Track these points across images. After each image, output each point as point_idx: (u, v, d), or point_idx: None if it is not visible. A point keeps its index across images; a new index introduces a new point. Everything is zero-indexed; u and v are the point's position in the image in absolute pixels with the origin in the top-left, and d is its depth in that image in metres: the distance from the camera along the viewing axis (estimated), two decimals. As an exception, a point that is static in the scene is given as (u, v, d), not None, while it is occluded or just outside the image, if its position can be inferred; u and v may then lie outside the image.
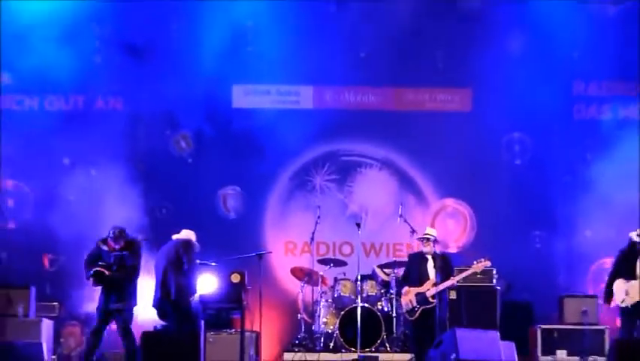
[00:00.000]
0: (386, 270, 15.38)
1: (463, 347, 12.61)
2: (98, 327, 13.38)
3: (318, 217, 15.57)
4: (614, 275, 13.68)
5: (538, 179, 16.45)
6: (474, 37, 16.51)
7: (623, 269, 13.63)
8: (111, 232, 13.30)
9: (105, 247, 13.34)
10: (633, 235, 13.58)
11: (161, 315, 13.82)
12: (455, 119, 16.64)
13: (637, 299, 13.39)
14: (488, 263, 13.99)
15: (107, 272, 13.23)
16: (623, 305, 13.53)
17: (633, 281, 13.47)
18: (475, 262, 14.04)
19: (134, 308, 13.48)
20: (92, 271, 13.24)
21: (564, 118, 16.70)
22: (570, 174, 16.33)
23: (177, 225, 14.54)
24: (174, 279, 13.64)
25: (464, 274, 13.96)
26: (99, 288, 13.42)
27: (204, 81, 16.17)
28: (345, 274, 15.42)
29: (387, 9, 16.33)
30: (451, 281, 13.81)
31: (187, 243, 13.86)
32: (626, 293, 13.52)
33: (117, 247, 13.27)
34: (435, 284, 13.70)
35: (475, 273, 14.12)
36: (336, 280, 15.36)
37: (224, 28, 16.30)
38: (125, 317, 13.38)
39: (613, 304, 13.73)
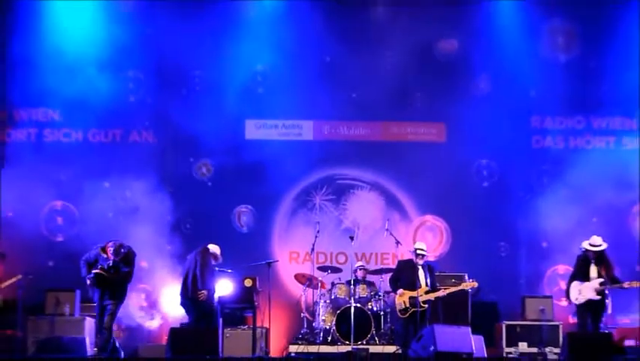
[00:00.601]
0: (360, 273, 15.39)
1: (440, 340, 12.71)
2: (100, 321, 13.41)
3: (318, 231, 15.55)
4: (572, 278, 13.85)
5: (503, 198, 16.43)
6: (448, 79, 16.51)
7: (578, 273, 13.80)
8: (112, 248, 13.34)
9: (104, 255, 13.38)
10: (585, 245, 13.73)
11: (186, 313, 13.91)
12: (432, 149, 16.65)
13: (587, 298, 13.59)
14: (475, 284, 14.16)
15: (105, 274, 13.26)
16: (577, 303, 13.71)
17: (586, 283, 13.64)
18: (465, 281, 14.29)
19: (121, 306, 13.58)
20: (92, 274, 13.28)
21: (524, 147, 16.70)
22: (529, 194, 16.31)
23: (199, 238, 14.79)
24: (191, 281, 13.75)
25: (454, 289, 14.07)
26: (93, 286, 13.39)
27: (222, 117, 16.15)
28: (340, 279, 15.43)
29: (374, 57, 16.35)
30: (443, 292, 13.92)
31: (203, 250, 13.94)
32: (579, 293, 13.71)
33: (116, 258, 13.33)
34: (427, 292, 13.82)
35: (463, 289, 14.26)
36: (333, 284, 15.35)
37: (239, 72, 16.32)
38: (113, 313, 13.43)
39: (570, 302, 13.93)
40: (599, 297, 13.53)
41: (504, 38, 16.48)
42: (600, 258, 13.66)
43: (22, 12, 16.15)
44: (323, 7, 16.16)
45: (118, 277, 13.42)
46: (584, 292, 13.64)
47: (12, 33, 16.21)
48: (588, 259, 13.70)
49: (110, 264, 13.35)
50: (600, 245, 13.68)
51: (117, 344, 13.63)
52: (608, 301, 13.86)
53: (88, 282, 13.41)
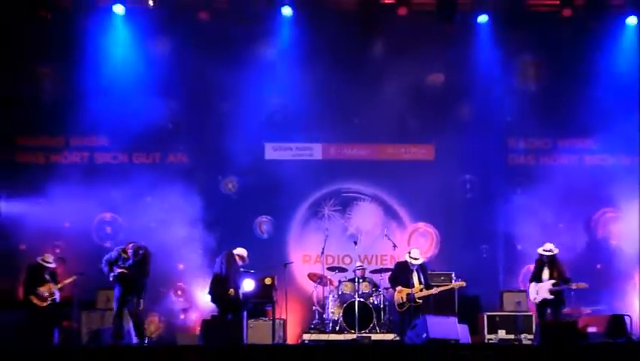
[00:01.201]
0: (359, 272, 15.38)
1: (431, 328, 12.80)
2: (119, 312, 13.41)
3: (326, 237, 15.72)
4: (530, 280, 14.00)
5: (484, 208, 16.41)
6: (436, 107, 16.47)
7: (535, 275, 13.92)
8: (131, 250, 13.38)
9: (124, 255, 13.37)
10: (540, 250, 13.87)
11: (216, 307, 13.96)
12: (423, 166, 16.59)
13: (543, 297, 13.72)
14: (464, 284, 14.23)
15: (127, 272, 13.31)
16: (535, 301, 13.86)
17: (541, 283, 13.75)
18: (453, 279, 14.44)
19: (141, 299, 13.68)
20: (117, 273, 13.30)
21: (502, 164, 16.70)
22: (506, 205, 16.26)
23: (226, 243, 14.76)
24: (219, 280, 13.82)
25: (445, 288, 14.16)
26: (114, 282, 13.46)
27: (245, 141, 16.09)
28: (346, 277, 15.47)
29: (373, 89, 16.33)
30: (436, 290, 13.97)
31: (228, 254, 13.97)
32: (537, 293, 13.80)
33: (136, 259, 13.35)
34: (422, 290, 13.87)
35: (453, 288, 14.35)
36: (340, 281, 15.39)
37: (260, 103, 16.34)
38: (135, 304, 13.47)
39: (529, 300, 14.08)
40: (552, 296, 13.64)
41: (484, 72, 16.43)
42: (552, 261, 13.77)
43: (80, 54, 16.13)
44: (330, 49, 16.11)
45: (138, 275, 13.40)
46: (540, 292, 13.79)
47: (71, 72, 16.24)
48: (543, 262, 13.82)
49: (131, 263, 13.35)
50: (552, 250, 13.81)
51: (129, 331, 13.60)
52: (573, 293, 13.97)
53: (111, 279, 13.42)
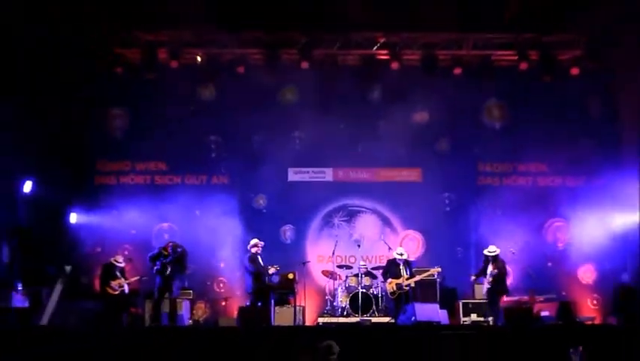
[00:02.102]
0: (362, 269, 15.42)
1: (418, 313, 13.08)
2: (158, 301, 13.45)
3: (336, 241, 15.66)
4: (478, 274, 14.16)
5: (460, 218, 16.45)
6: (422, 139, 16.49)
7: (482, 270, 14.04)
8: (170, 248, 13.43)
9: (165, 253, 13.44)
10: (485, 252, 13.96)
11: (249, 296, 14.13)
12: (412, 186, 16.61)
13: (487, 288, 13.82)
14: (439, 269, 14.44)
15: (168, 266, 13.33)
16: (484, 292, 14.02)
17: (485, 278, 13.89)
18: (433, 268, 14.48)
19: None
20: (159, 267, 13.32)
21: (473, 184, 16.73)
22: (477, 216, 16.30)
23: (256, 246, 14.84)
24: (253, 278, 13.95)
25: (425, 275, 14.32)
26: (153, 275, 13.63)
27: (272, 167, 16.14)
28: (351, 273, 15.48)
29: (372, 125, 16.52)
30: (419, 277, 14.18)
31: (250, 257, 13.95)
32: (484, 285, 13.95)
33: (174, 256, 13.39)
34: (407, 279, 14.02)
35: (432, 274, 14.52)
36: (347, 276, 15.37)
37: (283, 136, 16.47)
38: (173, 294, 13.47)
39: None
40: (489, 285, 13.76)
41: (459, 112, 16.49)
42: (495, 260, 13.84)
43: (144, 98, 16.23)
44: (338, 94, 16.24)
45: (176, 270, 13.43)
46: (485, 284, 13.94)
47: (137, 113, 16.44)
48: (488, 260, 13.90)
49: (170, 259, 13.37)
50: (495, 251, 13.88)
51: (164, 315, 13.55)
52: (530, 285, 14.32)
53: (154, 271, 13.42)
